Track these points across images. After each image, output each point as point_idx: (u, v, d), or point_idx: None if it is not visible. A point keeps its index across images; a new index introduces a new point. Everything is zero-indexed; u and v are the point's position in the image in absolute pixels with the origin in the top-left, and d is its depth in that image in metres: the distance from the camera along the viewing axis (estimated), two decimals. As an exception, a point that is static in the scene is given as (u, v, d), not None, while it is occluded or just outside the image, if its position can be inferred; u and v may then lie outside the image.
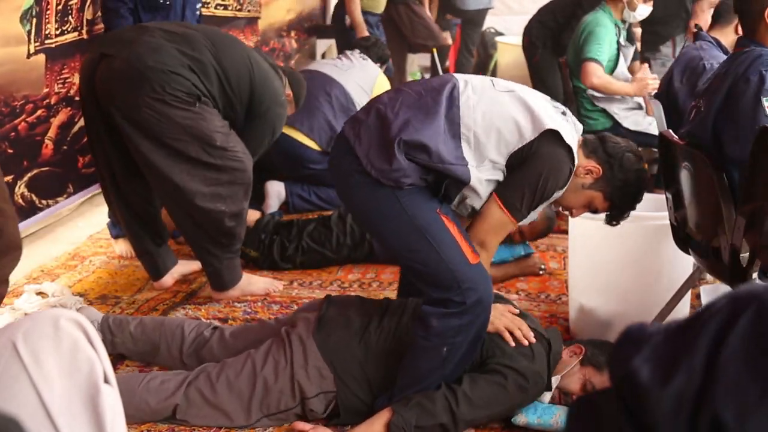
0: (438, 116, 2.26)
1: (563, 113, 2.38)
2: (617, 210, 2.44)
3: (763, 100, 2.33)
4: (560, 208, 2.52)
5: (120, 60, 2.99)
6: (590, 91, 4.45)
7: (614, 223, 2.50)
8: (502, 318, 2.47)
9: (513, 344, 2.43)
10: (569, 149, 2.28)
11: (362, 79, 4.71)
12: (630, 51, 4.69)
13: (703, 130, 2.43)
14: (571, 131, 2.34)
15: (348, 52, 4.94)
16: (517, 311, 2.57)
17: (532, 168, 2.25)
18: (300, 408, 2.46)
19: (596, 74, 4.30)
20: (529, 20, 5.66)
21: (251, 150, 3.22)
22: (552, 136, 2.26)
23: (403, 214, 2.26)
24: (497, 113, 2.27)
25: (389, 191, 2.26)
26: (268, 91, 3.19)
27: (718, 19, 3.61)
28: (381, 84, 4.76)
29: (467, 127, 2.25)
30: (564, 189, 2.35)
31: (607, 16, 4.45)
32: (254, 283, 3.40)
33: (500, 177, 2.30)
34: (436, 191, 2.31)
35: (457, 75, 2.39)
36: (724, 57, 3.00)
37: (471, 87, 2.31)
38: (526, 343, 2.44)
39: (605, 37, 4.37)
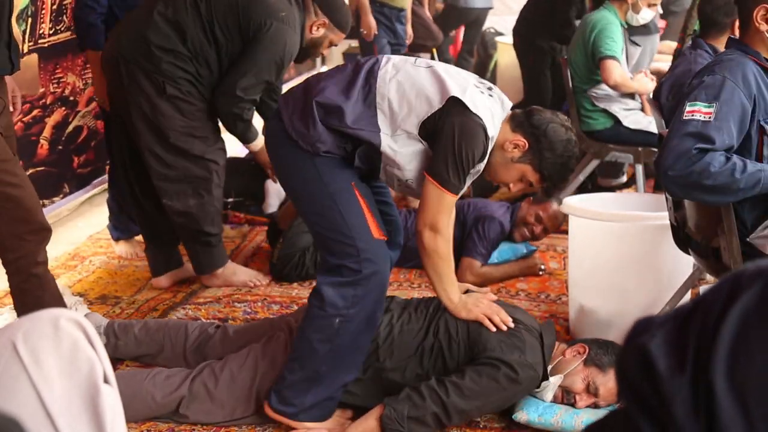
0: (354, 86, 2.34)
1: (489, 88, 2.41)
2: (550, 181, 2.46)
3: (687, 104, 2.32)
4: (499, 185, 2.54)
5: (111, 43, 3.15)
6: (591, 92, 4.44)
7: (552, 195, 2.52)
8: (479, 305, 2.47)
9: (494, 329, 2.43)
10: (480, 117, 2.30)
11: None
12: (636, 51, 4.67)
13: None
14: (491, 105, 2.35)
15: None
16: (494, 298, 2.56)
17: (445, 136, 2.28)
18: None
19: (617, 72, 4.28)
20: (516, 20, 5.65)
21: (260, 74, 3.10)
22: (460, 105, 2.28)
23: (318, 179, 2.35)
24: (410, 84, 2.33)
25: (308, 156, 2.35)
26: (257, 8, 3.06)
27: (709, 28, 3.57)
28: None
29: (382, 97, 2.32)
30: (485, 159, 2.36)
31: (613, 14, 4.44)
32: (238, 274, 3.48)
33: (417, 147, 2.33)
34: (353, 160, 2.37)
35: (386, 54, 2.49)
36: None
37: (392, 63, 2.39)
38: (504, 328, 2.43)
39: (617, 34, 4.36)
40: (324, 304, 2.35)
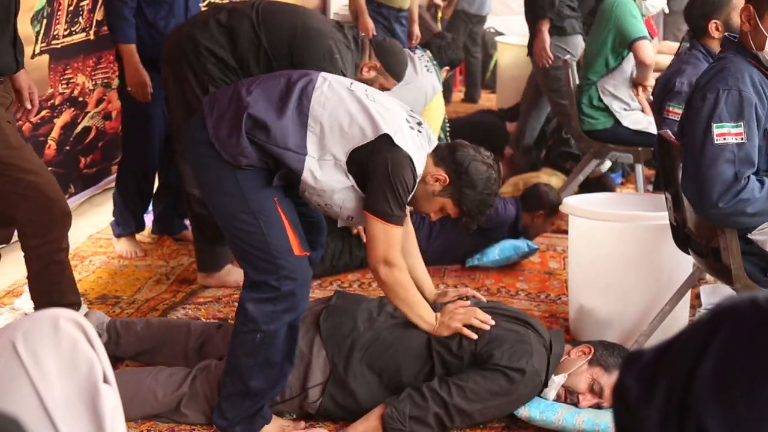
0: (286, 104, 2.31)
1: (419, 123, 2.42)
2: (468, 216, 2.44)
3: (713, 126, 2.29)
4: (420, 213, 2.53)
5: (168, 40, 3.30)
6: (601, 83, 4.39)
7: (470, 229, 2.51)
8: (455, 318, 2.46)
9: (476, 337, 2.42)
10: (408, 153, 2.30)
11: (412, 100, 4.04)
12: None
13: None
14: (419, 140, 2.36)
15: (416, 57, 4.40)
16: (468, 303, 2.55)
17: (379, 173, 2.28)
18: (298, 399, 2.50)
19: (650, 50, 4.22)
20: None
21: None
22: (390, 142, 2.28)
23: (240, 194, 2.31)
24: (343, 111, 2.31)
25: (230, 170, 2.30)
26: (308, 48, 3.11)
27: (694, 31, 3.55)
28: (434, 108, 4.41)
29: (314, 119, 2.30)
30: (414, 190, 2.37)
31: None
32: (232, 274, 3.50)
33: (342, 180, 2.31)
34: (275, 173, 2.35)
35: (322, 73, 2.44)
36: None
37: (327, 84, 2.36)
38: (486, 327, 2.44)
39: (638, 14, 4.33)
40: (246, 320, 2.35)
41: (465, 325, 2.45)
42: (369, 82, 3.29)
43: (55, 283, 2.63)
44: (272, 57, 3.12)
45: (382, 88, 3.34)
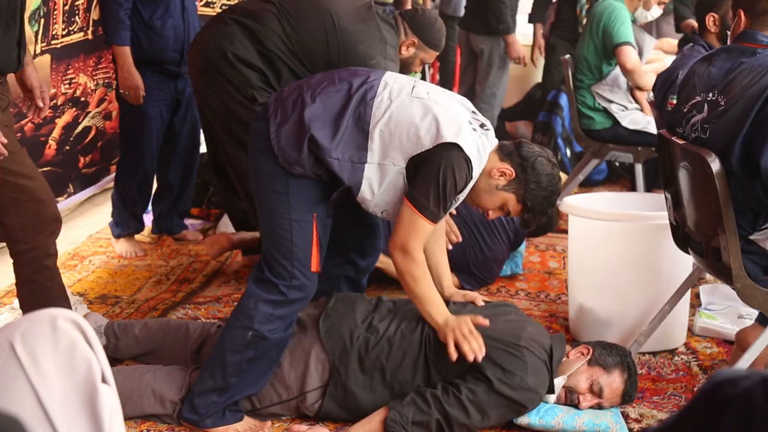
0: (345, 115, 2.34)
1: (481, 125, 2.40)
2: (530, 213, 2.43)
3: None
4: (479, 210, 2.51)
5: (194, 51, 3.18)
6: (595, 88, 4.42)
7: (530, 227, 2.51)
8: (456, 330, 2.38)
9: (454, 358, 2.34)
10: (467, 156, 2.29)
11: None
12: (651, 42, 4.69)
13: (722, 131, 2.35)
14: (481, 142, 2.35)
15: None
16: (486, 323, 2.43)
17: (431, 166, 2.29)
18: (295, 401, 2.49)
19: (633, 57, 4.26)
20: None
21: None
22: (450, 144, 2.29)
23: (285, 198, 2.38)
24: (401, 118, 2.32)
25: (284, 173, 2.37)
26: (349, 60, 2.99)
27: (699, 26, 3.55)
28: None
29: (374, 127, 2.32)
30: (466, 191, 2.37)
31: (621, 4, 4.42)
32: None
33: (400, 183, 2.34)
34: (328, 191, 2.40)
35: (386, 75, 2.45)
36: None
37: (389, 90, 2.37)
38: (470, 358, 2.33)
39: (627, 20, 4.35)
40: (241, 315, 2.41)
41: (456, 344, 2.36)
42: (410, 61, 3.25)
43: (46, 288, 2.61)
44: (304, 60, 3.04)
45: (423, 63, 3.30)
